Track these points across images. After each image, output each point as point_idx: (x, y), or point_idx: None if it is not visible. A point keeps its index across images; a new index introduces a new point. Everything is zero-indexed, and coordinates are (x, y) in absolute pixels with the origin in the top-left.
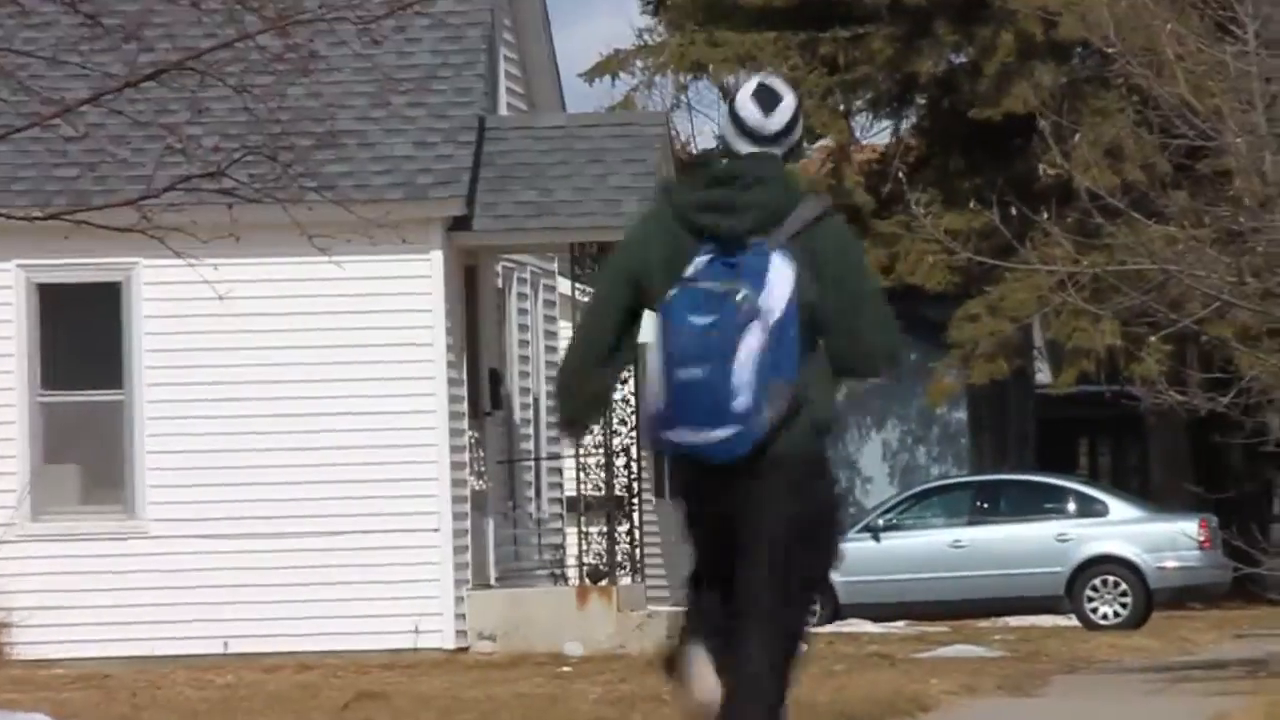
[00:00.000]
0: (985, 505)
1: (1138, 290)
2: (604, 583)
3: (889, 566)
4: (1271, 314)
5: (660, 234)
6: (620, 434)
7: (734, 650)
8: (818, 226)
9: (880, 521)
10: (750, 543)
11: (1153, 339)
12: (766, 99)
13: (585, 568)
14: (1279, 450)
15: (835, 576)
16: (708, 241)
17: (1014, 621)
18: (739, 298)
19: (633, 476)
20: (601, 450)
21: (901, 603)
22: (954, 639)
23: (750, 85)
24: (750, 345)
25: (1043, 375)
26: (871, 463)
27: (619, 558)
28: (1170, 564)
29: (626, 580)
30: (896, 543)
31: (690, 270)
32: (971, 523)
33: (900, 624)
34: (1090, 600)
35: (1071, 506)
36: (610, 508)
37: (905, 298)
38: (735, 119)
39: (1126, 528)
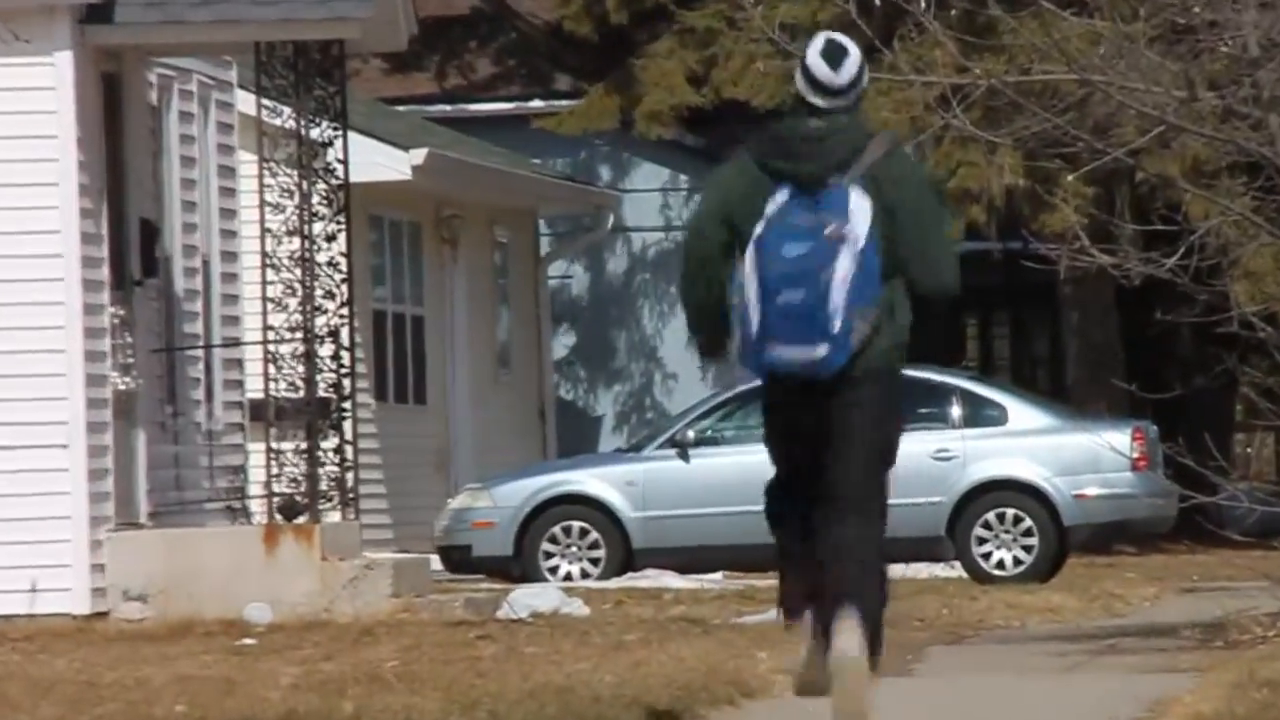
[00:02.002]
0: None
1: (1049, 110)
2: (302, 520)
3: (701, 496)
4: (1234, 142)
5: (742, 176)
6: (327, 312)
7: (829, 533)
8: (887, 161)
9: (690, 434)
10: (843, 443)
11: (1070, 178)
12: (834, 55)
13: (276, 499)
14: (1245, 332)
15: (629, 511)
16: (786, 181)
17: None
18: (828, 230)
19: (343, 371)
20: (300, 335)
21: (718, 546)
22: None
23: (819, 43)
24: (841, 272)
25: None
26: (676, 352)
27: (323, 485)
28: (1092, 491)
29: (334, 516)
30: (711, 463)
31: (772, 207)
32: None
33: (716, 576)
34: (982, 542)
35: (955, 412)
36: (312, 415)
37: (724, 118)
38: (806, 74)
39: (1031, 441)
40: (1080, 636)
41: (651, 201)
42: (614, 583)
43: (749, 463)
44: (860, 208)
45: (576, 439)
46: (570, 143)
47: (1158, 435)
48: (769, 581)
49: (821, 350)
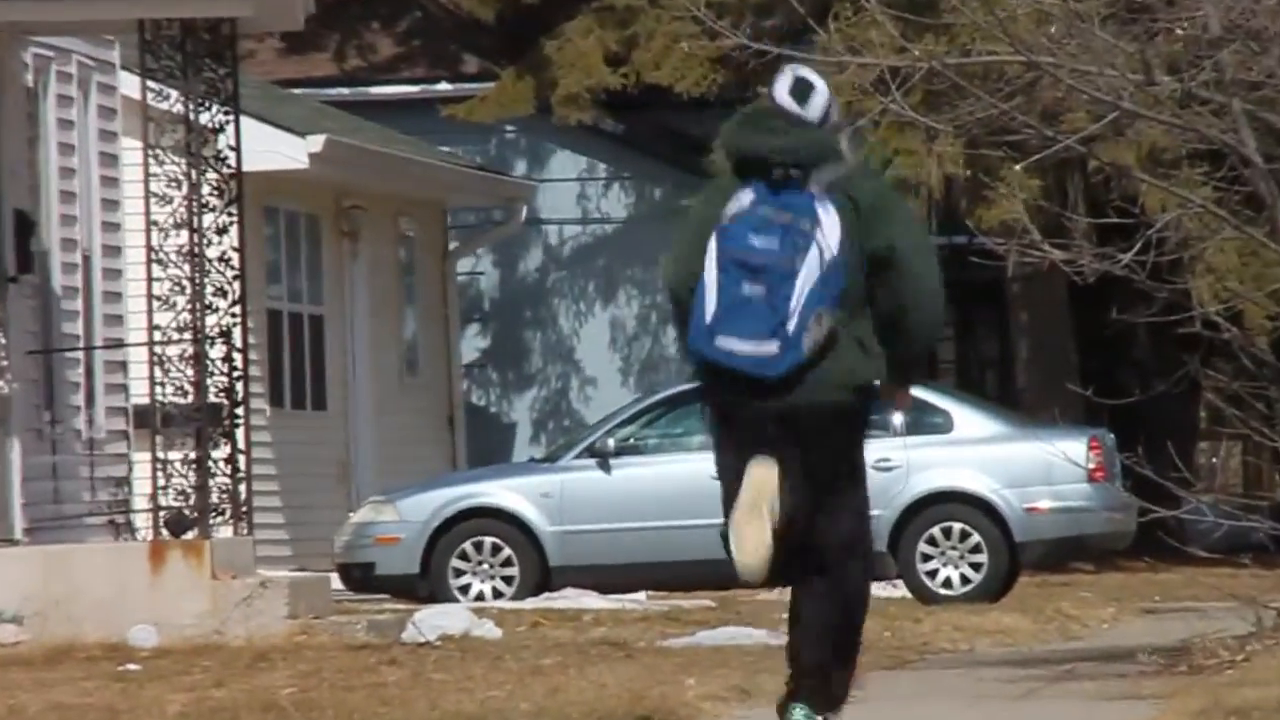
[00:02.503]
0: None
1: (993, 94)
2: (191, 535)
3: (622, 510)
4: (1194, 128)
5: (718, 187)
6: (218, 310)
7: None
8: (855, 180)
9: (610, 443)
10: (791, 466)
11: (1016, 167)
12: (803, 93)
13: (163, 513)
14: (1208, 333)
15: (545, 526)
16: (751, 182)
17: None
18: (802, 227)
19: (236, 374)
20: (188, 335)
21: (641, 564)
22: (721, 618)
23: (786, 79)
24: (806, 274)
25: None
26: (596, 354)
27: (214, 497)
28: (1045, 505)
29: (226, 531)
30: (634, 474)
31: (735, 205)
32: None
33: (639, 596)
34: (926, 559)
35: (896, 419)
36: (201, 422)
37: (645, 102)
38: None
39: (979, 450)
40: (1033, 661)
41: (568, 192)
42: (529, 603)
43: (674, 473)
44: (830, 217)
45: (488, 448)
46: (480, 128)
47: (1115, 444)
48: (695, 602)
49: (772, 347)
